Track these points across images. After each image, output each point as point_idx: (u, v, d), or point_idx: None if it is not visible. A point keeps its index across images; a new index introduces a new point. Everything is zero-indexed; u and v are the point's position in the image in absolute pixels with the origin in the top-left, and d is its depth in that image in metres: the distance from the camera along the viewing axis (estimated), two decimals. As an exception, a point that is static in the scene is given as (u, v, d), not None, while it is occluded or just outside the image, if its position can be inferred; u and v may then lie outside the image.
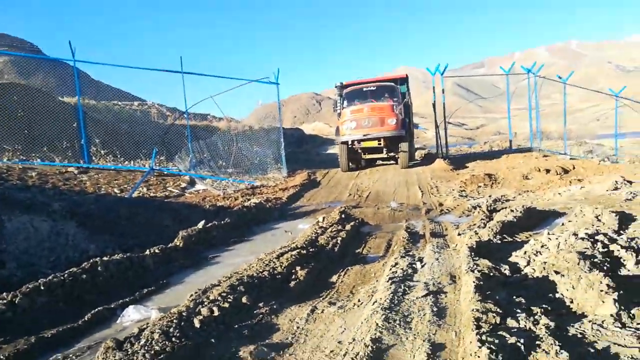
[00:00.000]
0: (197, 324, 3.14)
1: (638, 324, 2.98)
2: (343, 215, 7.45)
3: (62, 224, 6.46)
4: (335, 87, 15.35)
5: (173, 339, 2.87)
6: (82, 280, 4.42)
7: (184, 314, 3.24)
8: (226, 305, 3.46)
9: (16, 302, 3.78)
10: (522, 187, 9.98)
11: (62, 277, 4.30)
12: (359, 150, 13.34)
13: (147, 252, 5.49)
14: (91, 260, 4.74)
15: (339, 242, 5.79)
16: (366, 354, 2.61)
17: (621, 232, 5.41)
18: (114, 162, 11.39)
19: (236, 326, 3.29)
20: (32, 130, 11.39)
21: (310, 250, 5.21)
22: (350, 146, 13.18)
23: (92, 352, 3.21)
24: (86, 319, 3.74)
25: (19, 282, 4.66)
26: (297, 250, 5.04)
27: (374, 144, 12.86)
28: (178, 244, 6.00)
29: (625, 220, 6.04)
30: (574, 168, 11.91)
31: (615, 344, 2.70)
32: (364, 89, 14.15)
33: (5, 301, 3.76)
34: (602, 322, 3.01)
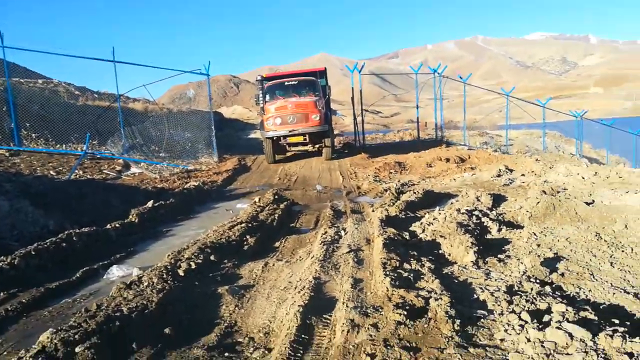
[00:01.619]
0: (181, 273, 4.17)
1: (487, 266, 4.48)
2: (276, 196, 8.57)
3: (18, 203, 6.97)
4: (257, 80, 15.79)
5: (168, 281, 3.89)
6: (63, 247, 5.20)
7: (168, 267, 4.25)
8: (199, 261, 4.51)
9: (15, 263, 4.53)
10: (425, 174, 11.72)
11: (45, 245, 5.06)
12: (284, 144, 14.04)
13: (109, 225, 6.28)
14: (66, 232, 5.52)
15: (276, 217, 6.93)
16: (310, 286, 3.83)
17: (493, 209, 7.05)
18: (45, 146, 11.53)
19: (210, 275, 4.37)
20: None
21: (254, 224, 6.32)
22: (275, 139, 13.73)
23: (93, 297, 4.12)
24: (78, 275, 4.60)
25: None
26: (245, 224, 6.13)
27: (300, 139, 13.51)
28: (133, 219, 6.82)
29: (499, 200, 7.75)
30: (469, 158, 13.96)
31: (470, 277, 4.14)
32: (286, 84, 14.63)
33: (6, 262, 4.49)
34: (465, 266, 4.48)
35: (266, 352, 2.98)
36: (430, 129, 25.18)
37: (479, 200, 7.52)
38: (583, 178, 9.19)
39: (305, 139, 13.53)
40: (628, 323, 2.97)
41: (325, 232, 5.70)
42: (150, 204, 7.56)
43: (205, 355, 2.94)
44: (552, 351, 2.61)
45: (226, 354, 2.97)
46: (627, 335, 2.62)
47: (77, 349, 2.76)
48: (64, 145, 11.92)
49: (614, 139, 22.97)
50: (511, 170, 11.55)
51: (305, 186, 10.23)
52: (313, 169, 12.43)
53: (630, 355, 2.46)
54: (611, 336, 2.63)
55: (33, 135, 11.71)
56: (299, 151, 14.65)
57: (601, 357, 2.47)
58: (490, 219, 6.28)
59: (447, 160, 13.22)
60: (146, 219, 7.03)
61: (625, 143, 23.25)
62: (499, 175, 10.83)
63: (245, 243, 5.44)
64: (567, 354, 2.56)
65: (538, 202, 6.58)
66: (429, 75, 19.19)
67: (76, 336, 2.85)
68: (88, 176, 10.21)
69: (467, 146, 17.56)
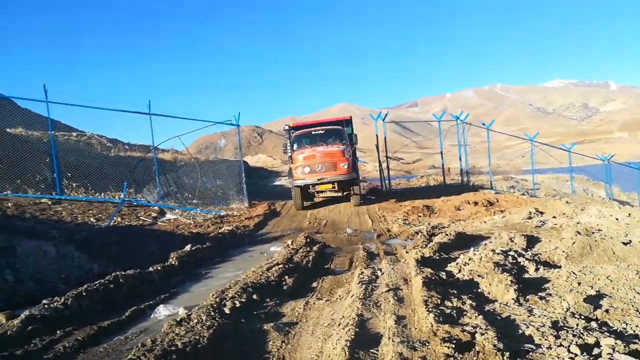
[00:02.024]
0: (227, 311, 4.30)
1: (529, 304, 4.48)
2: (308, 240, 8.70)
3: (64, 248, 7.28)
4: (284, 130, 16.19)
5: (216, 318, 4.02)
6: (110, 288, 5.40)
7: (214, 305, 4.39)
8: (243, 300, 4.64)
9: (68, 303, 4.74)
10: (455, 217, 11.74)
11: (95, 286, 5.28)
12: (313, 191, 14.22)
13: (151, 268, 6.49)
14: (113, 274, 5.72)
15: (310, 259, 7.05)
16: (354, 323, 3.91)
17: (528, 249, 7.03)
18: (85, 194, 12.04)
19: (254, 313, 4.48)
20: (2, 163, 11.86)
21: (290, 265, 6.44)
22: (303, 187, 13.82)
23: (144, 334, 4.26)
24: (127, 314, 4.76)
25: (38, 295, 5.52)
26: (281, 265, 6.27)
27: (328, 187, 13.65)
28: (173, 262, 7.02)
29: (532, 241, 7.73)
30: (497, 201, 13.93)
31: (513, 314, 4.16)
32: (313, 133, 14.89)
33: (60, 302, 4.70)
34: (506, 303, 4.49)
35: (318, 384, 3.05)
36: (453, 174, 25.24)
37: (512, 241, 7.52)
38: (617, 219, 9.08)
39: (333, 187, 13.68)
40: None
41: (362, 273, 5.78)
42: (188, 247, 7.78)
43: (260, 386, 3.03)
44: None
45: (279, 386, 3.05)
46: (680, 366, 2.63)
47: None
48: (102, 194, 12.41)
49: (641, 183, 22.61)
50: (542, 213, 11.49)
51: (336, 229, 10.36)
52: (342, 214, 12.58)
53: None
54: (664, 366, 2.64)
55: (74, 184, 12.26)
56: (327, 197, 14.86)
57: (657, 385, 2.48)
58: (526, 259, 6.28)
59: (476, 203, 13.22)
60: (185, 262, 7.22)
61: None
62: (529, 218, 10.78)
63: (284, 283, 5.56)
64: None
65: (574, 242, 6.57)
66: (451, 122, 19.51)
67: (138, 367, 2.99)
68: (126, 223, 10.56)
69: (494, 190, 17.52)
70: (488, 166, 19.84)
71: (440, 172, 29.40)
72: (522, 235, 7.85)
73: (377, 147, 17.19)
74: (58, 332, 4.24)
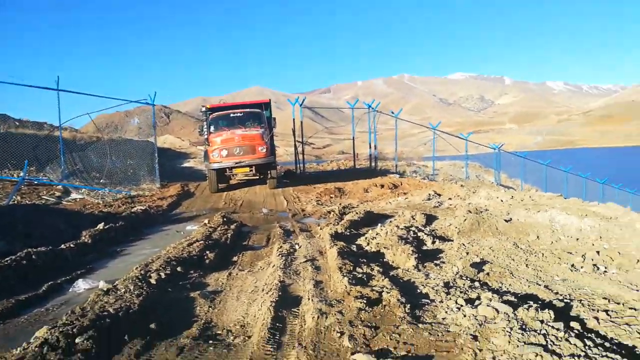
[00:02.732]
0: (153, 282, 4.47)
1: (426, 269, 5.15)
2: (225, 219, 8.90)
3: (-38, 225, 6.83)
4: (201, 111, 15.74)
5: (144, 288, 4.19)
6: (23, 265, 5.27)
7: (140, 277, 4.53)
8: (167, 272, 4.82)
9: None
10: (363, 198, 12.53)
11: (6, 262, 5.12)
12: (229, 174, 14.03)
13: (63, 246, 6.35)
14: (25, 251, 5.57)
15: (229, 236, 7.29)
16: (277, 288, 4.29)
17: (427, 226, 7.85)
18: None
19: (180, 283, 4.70)
20: None
21: (209, 242, 6.65)
22: (219, 170, 13.55)
23: (65, 306, 4.30)
24: (44, 289, 4.74)
25: None
26: (201, 242, 6.46)
27: (246, 170, 13.54)
28: (86, 240, 6.89)
29: (431, 219, 8.58)
30: (401, 184, 15.01)
31: (413, 278, 4.79)
32: (231, 115, 14.53)
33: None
34: (408, 269, 5.13)
35: (246, 338, 3.40)
36: (362, 159, 26.41)
37: (414, 218, 8.31)
38: (502, 201, 10.34)
39: (251, 170, 13.61)
40: (540, 302, 3.72)
41: (281, 247, 6.17)
42: (101, 226, 7.63)
43: (191, 343, 3.31)
44: (483, 322, 3.27)
45: (210, 342, 3.35)
46: (538, 309, 3.34)
47: (77, 340, 3.04)
48: (1, 172, 11.48)
49: (527, 170, 25.33)
50: (439, 195, 12.64)
51: (252, 209, 10.62)
52: (257, 194, 12.84)
53: (541, 321, 3.17)
54: (527, 309, 3.34)
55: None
56: (243, 180, 14.85)
57: (520, 322, 3.15)
58: (425, 234, 7.05)
59: (382, 186, 14.15)
60: (98, 240, 7.11)
61: (537, 173, 25.73)
62: (429, 199, 11.83)
63: (205, 258, 5.78)
64: (495, 322, 3.24)
65: (465, 220, 7.47)
66: (363, 109, 20.44)
67: (74, 330, 3.13)
68: (27, 201, 9.96)
69: (399, 174, 18.74)
70: (395, 152, 21.12)
71: (349, 158, 30.57)
72: (422, 213, 8.68)
73: (294, 132, 17.53)
74: (-32, 306, 4.14)
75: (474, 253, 5.81)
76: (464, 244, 6.27)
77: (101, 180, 12.75)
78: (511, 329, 3.04)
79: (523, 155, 23.31)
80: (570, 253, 5.65)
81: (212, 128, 14.27)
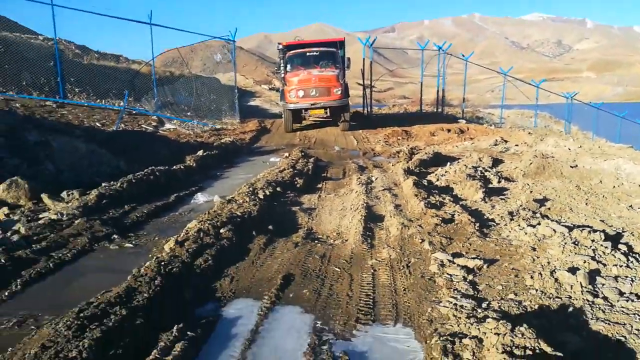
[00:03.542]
0: (261, 196, 5.44)
1: (492, 202, 5.80)
2: (303, 153, 9.79)
3: (91, 146, 8.14)
4: (278, 49, 15.92)
5: (256, 200, 5.17)
6: (150, 180, 6.44)
7: (249, 192, 5.52)
8: (270, 190, 5.78)
9: (124, 187, 5.78)
10: (430, 141, 13.01)
11: (139, 176, 6.30)
12: (304, 115, 14.27)
13: (175, 167, 7.50)
14: (150, 168, 6.74)
15: (310, 168, 8.19)
16: (363, 207, 5.14)
17: (493, 167, 8.36)
18: (87, 100, 12.56)
19: (281, 200, 5.67)
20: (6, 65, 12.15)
21: (295, 171, 7.58)
22: (295, 110, 13.77)
23: (193, 212, 5.38)
24: (172, 199, 5.86)
25: (75, 185, 6.46)
26: (289, 169, 7.40)
27: (321, 112, 13.74)
28: (191, 164, 8.04)
29: (497, 162, 9.05)
30: (468, 129, 15.26)
31: (480, 207, 5.47)
32: (307, 54, 14.60)
33: (117, 185, 5.74)
34: (475, 201, 5.80)
35: (344, 241, 4.29)
36: (427, 103, 26.35)
37: (481, 160, 8.83)
38: (569, 149, 10.53)
39: (326, 112, 13.81)
40: (592, 228, 4.33)
41: (359, 177, 7.00)
42: (200, 152, 8.77)
43: (302, 241, 4.24)
44: (541, 238, 3.96)
45: (315, 241, 4.27)
46: (591, 231, 3.97)
47: (221, 230, 4.05)
48: (103, 100, 12.95)
49: (601, 123, 24.24)
50: (506, 141, 12.87)
51: (325, 147, 11.47)
52: (329, 134, 13.64)
53: (592, 240, 3.81)
54: (581, 231, 3.98)
55: (76, 89, 12.73)
56: (316, 121, 15.40)
57: (573, 239, 3.81)
58: (492, 174, 7.60)
59: (449, 130, 14.50)
60: (200, 164, 8.24)
61: (612, 127, 24.59)
62: (495, 144, 12.15)
63: (296, 182, 6.72)
64: (551, 238, 3.92)
65: (531, 163, 7.91)
66: (430, 51, 20.27)
67: (217, 223, 4.14)
68: (129, 129, 11.33)
69: (465, 120, 18.84)
70: (462, 98, 21.04)
71: (413, 102, 30.48)
72: (489, 156, 9.16)
73: (363, 74, 17.84)
74: (125, 206, 5.32)
75: (538, 192, 6.36)
76: (528, 184, 6.80)
77: (188, 113, 14.01)
78: (565, 243, 3.71)
79: (597, 106, 22.39)
80: (630, 196, 6.07)
81: (288, 66, 14.47)
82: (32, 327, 2.65)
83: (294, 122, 14.18)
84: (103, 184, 5.86)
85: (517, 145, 12.04)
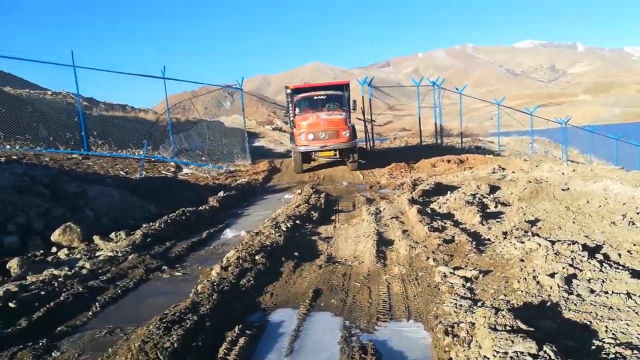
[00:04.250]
0: (284, 229, 6.19)
1: (489, 225, 6.51)
2: (314, 190, 10.57)
3: (122, 193, 8.97)
4: (286, 93, 16.52)
5: (280, 232, 5.91)
6: (182, 219, 7.21)
7: (274, 225, 6.26)
8: (290, 224, 6.53)
9: (162, 227, 6.54)
10: (431, 172, 13.81)
11: (172, 217, 7.08)
12: (315, 157, 14.97)
13: (201, 208, 8.28)
14: (181, 210, 7.52)
15: (322, 202, 8.95)
16: (374, 234, 5.86)
17: (491, 194, 9.10)
18: (109, 151, 13.50)
19: (301, 231, 6.40)
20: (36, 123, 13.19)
21: (310, 205, 8.34)
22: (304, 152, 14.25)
23: (225, 246, 6.11)
24: (204, 235, 6.62)
25: (114, 228, 7.22)
26: (304, 205, 8.16)
27: (331, 153, 14.28)
28: (215, 204, 8.82)
29: (494, 189, 9.78)
30: (467, 159, 16.07)
31: (478, 229, 6.18)
32: (315, 97, 15.22)
33: (155, 226, 6.51)
34: (473, 224, 6.52)
35: (360, 262, 5.01)
36: (425, 136, 27.27)
37: (479, 188, 9.57)
38: (563, 173, 11.27)
39: (335, 154, 14.37)
40: (572, 241, 5.03)
41: (368, 208, 7.75)
42: (221, 194, 9.58)
43: (324, 264, 4.95)
44: (528, 251, 4.67)
45: (336, 264, 4.98)
46: (570, 244, 4.67)
47: (256, 257, 4.78)
48: (123, 150, 13.90)
49: (598, 145, 24.98)
50: (503, 169, 13.65)
51: (333, 182, 12.28)
52: (336, 170, 14.48)
53: (572, 251, 4.51)
54: (562, 244, 4.68)
55: (99, 142, 13.70)
56: (325, 161, 15.86)
57: (555, 251, 4.51)
58: (489, 200, 8.33)
59: (449, 161, 15.31)
60: (223, 204, 9.03)
61: (610, 149, 25.28)
62: (493, 172, 12.92)
63: (312, 216, 7.48)
64: (536, 251, 4.62)
65: (525, 188, 8.64)
66: (427, 85, 21.32)
67: (252, 251, 4.88)
68: (150, 175, 12.18)
69: (464, 151, 19.69)
70: (460, 128, 21.97)
71: (413, 135, 31.43)
72: (487, 184, 9.91)
73: (363, 111, 18.80)
74: (167, 243, 6.07)
75: (530, 214, 7.07)
76: (522, 207, 7.51)
77: (203, 158, 14.93)
78: (547, 254, 4.42)
79: (592, 129, 23.26)
80: (614, 214, 6.77)
81: (297, 109, 15.09)
82: (121, 334, 3.37)
83: (303, 163, 14.67)
84: (144, 225, 6.64)
85: (513, 172, 12.80)
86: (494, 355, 2.41)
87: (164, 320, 3.14)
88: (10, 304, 3.79)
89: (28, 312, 3.73)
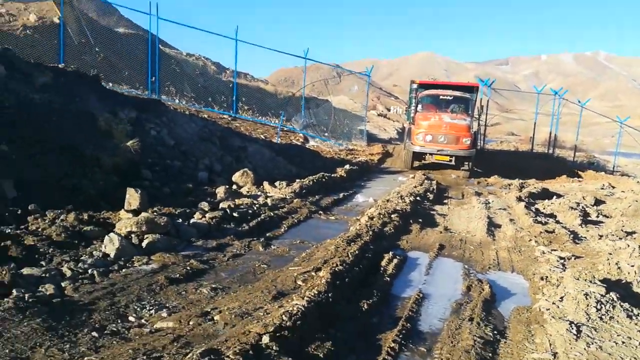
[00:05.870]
0: (407, 201, 7.63)
1: (587, 227, 7.44)
2: (425, 177, 11.84)
3: (271, 152, 10.94)
4: (411, 88, 15.79)
5: (405, 202, 7.36)
6: (322, 181, 8.93)
7: (399, 197, 7.72)
8: (412, 198, 7.95)
9: (310, 184, 8.29)
10: (539, 178, 14.37)
11: (315, 179, 8.81)
12: (425, 156, 14.02)
13: (334, 175, 9.97)
14: (321, 173, 9.26)
15: (434, 188, 10.22)
16: (485, 217, 7.09)
17: (594, 206, 9.79)
18: (252, 116, 15.84)
19: (421, 205, 7.81)
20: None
21: (424, 188, 9.67)
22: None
23: (358, 207, 7.69)
24: (340, 196, 8.27)
25: (265, 179, 9.03)
26: (419, 186, 9.52)
27: (445, 158, 13.43)
28: (342, 174, 10.47)
29: (599, 202, 10.40)
30: (576, 172, 16.28)
31: (577, 229, 7.15)
32: (441, 97, 14.38)
33: (305, 183, 8.27)
34: (573, 225, 7.48)
35: (474, 235, 6.31)
36: (536, 143, 26.85)
37: (584, 198, 10.26)
38: (675, 199, 11.42)
39: (450, 160, 13.53)
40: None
41: (478, 199, 8.93)
42: (347, 166, 11.23)
43: (444, 231, 6.32)
44: (617, 248, 5.68)
45: (452, 232, 6.34)
46: (657, 251, 5.60)
47: (392, 216, 6.30)
48: (263, 117, 16.17)
49: None
50: (613, 187, 13.83)
51: (443, 174, 13.43)
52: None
53: (656, 255, 5.45)
54: (649, 249, 5.62)
55: (245, 107, 16.09)
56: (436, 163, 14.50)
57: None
58: (592, 210, 9.10)
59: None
60: (349, 175, 10.67)
61: None
62: (602, 188, 13.22)
63: (428, 196, 8.84)
64: (624, 249, 5.62)
65: (630, 206, 9.24)
66: (548, 95, 21.22)
67: (387, 212, 6.40)
68: (284, 142, 14.20)
69: (576, 164, 19.60)
70: (575, 141, 21.65)
71: (519, 140, 30.95)
72: (592, 196, 10.53)
73: (479, 113, 19.29)
74: (316, 196, 7.81)
75: (629, 227, 7.81)
76: (622, 221, 8.24)
77: (325, 134, 16.78)
78: (633, 252, 5.42)
79: None
80: None
81: (419, 106, 14.27)
82: (309, 244, 5.06)
83: (414, 160, 14.10)
84: (297, 180, 8.45)
85: (623, 191, 13.02)
86: (574, 290, 3.69)
87: (344, 238, 4.76)
88: (234, 214, 5.67)
89: (245, 221, 5.60)
